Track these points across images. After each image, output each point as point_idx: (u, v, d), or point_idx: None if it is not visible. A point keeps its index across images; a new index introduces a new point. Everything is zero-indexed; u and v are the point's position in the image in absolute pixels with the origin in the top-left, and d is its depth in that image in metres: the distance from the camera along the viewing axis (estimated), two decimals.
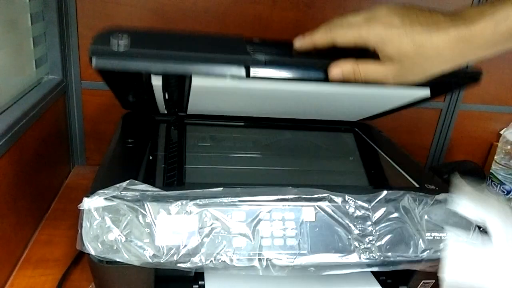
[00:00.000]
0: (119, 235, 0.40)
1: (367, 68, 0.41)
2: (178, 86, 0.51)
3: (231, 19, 0.77)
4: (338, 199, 0.46)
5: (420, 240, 0.46)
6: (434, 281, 0.51)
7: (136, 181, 0.43)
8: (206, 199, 0.43)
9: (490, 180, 0.79)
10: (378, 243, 0.45)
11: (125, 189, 0.42)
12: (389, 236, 0.46)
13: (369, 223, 0.46)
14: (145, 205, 0.41)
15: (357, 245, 0.45)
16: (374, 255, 0.45)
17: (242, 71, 0.41)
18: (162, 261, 0.40)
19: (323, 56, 0.43)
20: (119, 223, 0.41)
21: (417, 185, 0.53)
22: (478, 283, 0.43)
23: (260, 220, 0.44)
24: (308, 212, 0.45)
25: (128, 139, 0.56)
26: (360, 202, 0.46)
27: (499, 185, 0.77)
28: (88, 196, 0.41)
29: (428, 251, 0.46)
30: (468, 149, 0.96)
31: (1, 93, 0.58)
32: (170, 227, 0.41)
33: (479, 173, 0.83)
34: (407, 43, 0.38)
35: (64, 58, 0.75)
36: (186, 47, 0.42)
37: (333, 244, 0.44)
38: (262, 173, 0.59)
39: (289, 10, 0.78)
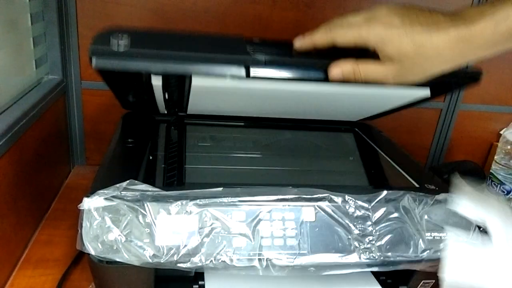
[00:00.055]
0: (119, 235, 0.40)
1: (367, 68, 0.41)
2: (178, 86, 0.51)
3: (231, 19, 0.77)
4: (338, 199, 0.46)
5: (420, 240, 0.46)
6: (434, 281, 0.51)
7: (136, 181, 0.43)
8: (206, 199, 0.43)
9: (490, 180, 0.79)
10: (378, 243, 0.45)
11: (125, 189, 0.42)
12: (389, 236, 0.46)
13: (369, 223, 0.46)
14: (145, 205, 0.41)
15: (357, 245, 0.45)
16: (374, 255, 0.45)
17: (242, 71, 0.41)
18: (162, 261, 0.40)
19: (323, 56, 0.43)
20: (119, 223, 0.40)
21: (417, 185, 0.53)
22: (478, 283, 0.43)
23: (260, 220, 0.44)
24: (308, 212, 0.45)
25: (128, 139, 0.56)
26: (360, 202, 0.46)
27: (499, 185, 0.77)
28: (88, 196, 0.41)
29: (428, 251, 0.46)
30: (468, 149, 0.96)
31: (1, 93, 0.58)
32: (170, 227, 0.41)
33: (479, 173, 0.83)
34: (407, 43, 0.38)
35: (64, 58, 0.75)
36: (186, 47, 0.42)
37: (333, 244, 0.44)
38: (262, 173, 0.59)
39: (289, 10, 0.78)
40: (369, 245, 0.45)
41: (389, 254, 0.45)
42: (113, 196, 0.41)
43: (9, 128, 0.53)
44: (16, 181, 0.56)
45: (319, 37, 0.42)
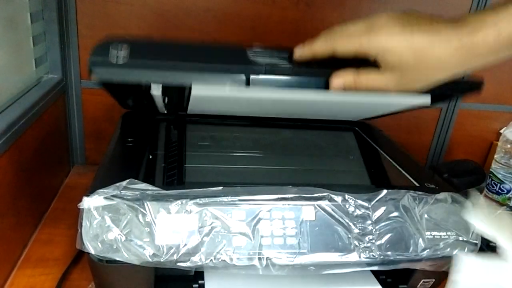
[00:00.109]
0: (119, 234, 0.40)
1: (368, 78, 0.41)
2: (177, 93, 0.51)
3: (230, 18, 0.77)
4: (338, 198, 0.46)
5: (420, 239, 0.46)
6: (433, 280, 0.51)
7: (136, 180, 0.43)
8: (206, 198, 0.43)
9: (490, 179, 0.79)
10: (378, 242, 0.45)
11: (125, 188, 0.42)
12: (389, 235, 0.46)
13: (369, 222, 0.46)
14: (145, 204, 0.41)
15: (357, 244, 0.45)
16: (374, 254, 0.45)
17: (242, 82, 0.42)
18: (162, 260, 0.40)
19: (323, 65, 0.43)
20: (119, 222, 0.40)
21: (417, 184, 0.53)
22: None
23: (260, 219, 0.44)
24: (308, 211, 0.45)
25: (128, 138, 0.56)
26: (360, 201, 0.46)
27: (499, 184, 0.77)
28: (88, 195, 0.41)
29: (428, 250, 0.46)
30: (468, 148, 0.96)
31: (1, 92, 0.58)
32: (170, 226, 0.41)
33: (479, 172, 0.83)
34: (408, 52, 0.37)
35: (64, 57, 0.74)
36: (186, 57, 0.42)
37: (333, 243, 0.44)
38: (262, 172, 0.59)
39: (288, 9, 0.77)
40: (369, 244, 0.45)
41: (389, 253, 0.45)
42: (113, 195, 0.41)
43: (8, 128, 0.53)
44: (15, 181, 0.56)
45: (319, 47, 0.42)
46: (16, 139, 0.55)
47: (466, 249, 0.47)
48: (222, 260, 0.42)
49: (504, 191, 0.77)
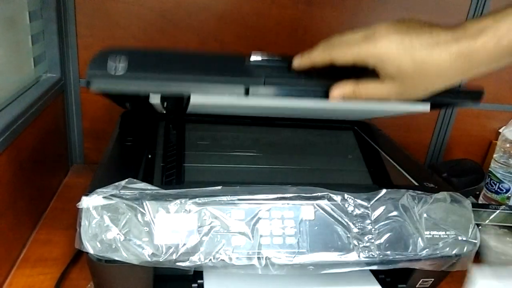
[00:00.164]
0: (118, 233, 0.40)
1: (367, 88, 0.41)
2: (176, 100, 0.51)
3: (230, 17, 0.77)
4: (337, 198, 0.46)
5: (419, 239, 0.46)
6: (433, 279, 0.52)
7: (135, 180, 0.43)
8: (205, 198, 0.43)
9: (489, 178, 0.79)
10: (377, 242, 0.45)
11: (124, 187, 0.42)
12: (388, 234, 0.46)
13: (368, 221, 0.46)
14: (144, 203, 0.41)
15: (356, 243, 0.45)
16: (373, 254, 0.45)
17: (241, 92, 0.42)
18: (161, 260, 0.40)
19: (322, 74, 0.43)
20: (118, 221, 0.40)
21: (416, 183, 0.54)
22: None
23: (259, 218, 0.44)
24: (307, 210, 0.45)
25: (127, 137, 0.56)
26: (359, 201, 0.46)
27: (498, 183, 0.77)
28: (86, 195, 0.41)
29: (427, 249, 0.46)
30: (467, 147, 0.96)
31: None
32: (169, 226, 0.41)
33: (478, 171, 0.83)
34: (407, 61, 0.37)
35: (62, 56, 0.74)
36: (185, 68, 0.42)
37: (332, 243, 0.44)
38: (261, 172, 0.59)
39: (288, 8, 0.77)
40: (368, 244, 0.45)
41: (388, 252, 0.45)
42: (112, 195, 0.41)
43: (7, 127, 0.53)
44: (14, 180, 0.56)
45: (318, 57, 0.42)
46: (14, 138, 0.55)
47: (465, 248, 0.47)
48: (221, 259, 0.42)
49: (503, 190, 0.77)
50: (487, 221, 0.71)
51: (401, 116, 0.88)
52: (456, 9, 0.81)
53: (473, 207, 0.50)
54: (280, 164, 0.60)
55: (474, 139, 0.95)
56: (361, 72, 0.40)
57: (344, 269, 0.45)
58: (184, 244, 0.41)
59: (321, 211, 0.45)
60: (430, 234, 0.47)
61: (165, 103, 0.52)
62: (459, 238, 0.47)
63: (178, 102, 0.51)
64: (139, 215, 0.41)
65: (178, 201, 0.42)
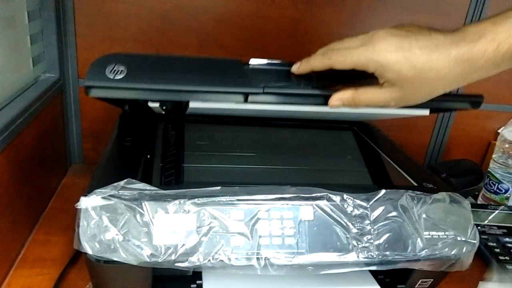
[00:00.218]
0: (116, 234, 0.40)
1: (367, 95, 0.41)
2: (175, 104, 0.52)
3: (229, 18, 0.77)
4: (337, 198, 0.46)
5: (418, 239, 0.46)
6: (432, 280, 0.52)
7: (134, 180, 0.43)
8: (204, 198, 0.43)
9: (488, 179, 0.79)
10: (376, 242, 0.45)
11: (123, 188, 0.42)
12: (387, 235, 0.46)
13: (367, 222, 0.46)
14: (143, 204, 0.41)
15: (355, 244, 0.45)
16: (372, 254, 0.45)
17: (240, 99, 0.42)
18: (159, 261, 0.40)
19: (321, 79, 0.43)
20: (116, 222, 0.40)
21: (415, 184, 0.53)
22: None
23: (258, 219, 0.44)
24: (306, 211, 0.45)
25: (125, 137, 0.55)
26: (358, 201, 0.46)
27: (497, 184, 0.78)
28: (85, 195, 0.41)
29: (426, 250, 0.46)
30: (466, 148, 0.96)
31: None
32: (168, 226, 0.41)
33: (477, 171, 0.83)
34: (406, 67, 0.37)
35: (61, 56, 0.74)
36: (183, 75, 0.42)
37: (331, 243, 0.44)
38: (261, 172, 0.59)
39: (287, 8, 0.77)
40: (367, 244, 0.45)
41: (387, 253, 0.45)
42: (111, 195, 0.41)
43: (5, 127, 0.53)
44: (12, 180, 0.55)
45: (317, 64, 0.42)
46: (13, 138, 0.55)
47: (464, 249, 0.47)
48: (220, 260, 0.42)
49: (502, 190, 0.77)
50: (486, 221, 0.71)
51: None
52: (456, 9, 0.81)
53: (472, 207, 0.50)
54: (279, 165, 0.60)
55: (473, 139, 0.96)
56: (361, 77, 0.40)
57: (343, 269, 0.45)
58: (183, 245, 0.41)
59: (320, 211, 0.45)
60: (429, 234, 0.47)
61: (164, 107, 0.52)
62: (458, 238, 0.47)
63: (177, 105, 0.51)
64: (138, 216, 0.41)
65: (177, 201, 0.42)
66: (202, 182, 0.45)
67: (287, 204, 0.45)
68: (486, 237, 0.67)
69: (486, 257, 0.64)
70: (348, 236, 0.45)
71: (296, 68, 0.44)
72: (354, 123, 0.71)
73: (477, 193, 0.82)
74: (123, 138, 0.56)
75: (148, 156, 0.54)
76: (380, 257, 0.45)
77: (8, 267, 0.55)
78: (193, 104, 0.43)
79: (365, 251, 0.45)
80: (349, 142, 0.67)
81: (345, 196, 0.46)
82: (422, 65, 0.37)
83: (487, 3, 0.81)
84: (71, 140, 0.82)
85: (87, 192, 0.41)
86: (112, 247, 0.40)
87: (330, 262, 0.44)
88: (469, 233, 0.48)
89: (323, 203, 0.45)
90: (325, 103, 0.43)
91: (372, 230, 0.45)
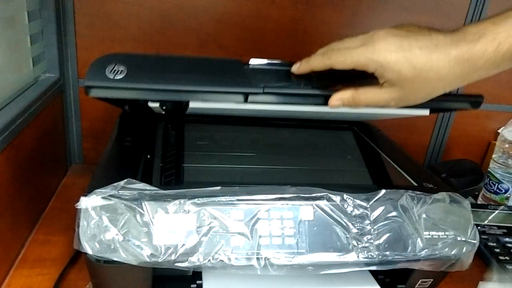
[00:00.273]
0: (116, 234, 0.40)
1: (367, 95, 0.41)
2: (175, 104, 0.52)
3: (229, 18, 0.77)
4: (337, 198, 0.46)
5: (418, 239, 0.46)
6: (432, 280, 0.52)
7: (134, 180, 0.43)
8: (204, 198, 0.43)
9: (488, 179, 0.79)
10: (376, 242, 0.45)
11: (123, 188, 0.42)
12: (387, 235, 0.46)
13: (367, 222, 0.46)
14: (143, 204, 0.41)
15: (355, 244, 0.45)
16: (372, 254, 0.45)
17: (240, 101, 0.42)
18: (160, 261, 0.40)
19: (321, 79, 0.43)
20: (116, 222, 0.40)
21: (415, 184, 0.53)
22: None
23: (258, 219, 0.44)
24: (306, 211, 0.45)
25: (125, 137, 0.55)
26: (358, 201, 0.46)
27: (497, 184, 0.78)
28: (85, 195, 0.41)
29: (426, 250, 0.46)
30: (466, 148, 0.96)
31: None
32: (168, 226, 0.41)
33: (477, 171, 0.83)
34: (406, 67, 0.37)
35: (61, 56, 0.74)
36: (183, 75, 0.42)
37: (331, 243, 0.44)
38: (261, 172, 0.59)
39: (287, 8, 0.77)
40: (367, 244, 0.45)
41: (387, 253, 0.45)
42: (111, 195, 0.41)
43: (5, 127, 0.53)
44: (12, 180, 0.55)
45: (317, 64, 0.42)
46: (13, 138, 0.55)
47: (464, 249, 0.47)
48: (220, 260, 0.42)
49: (502, 190, 0.77)
50: (486, 221, 0.71)
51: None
52: (456, 9, 0.81)
53: (472, 207, 0.50)
54: (279, 165, 0.60)
55: (473, 139, 0.96)
56: (361, 77, 0.40)
57: (343, 269, 0.45)
58: (183, 245, 0.41)
59: (320, 211, 0.45)
60: (429, 234, 0.47)
61: (164, 106, 0.52)
62: (458, 238, 0.47)
63: (177, 105, 0.51)
64: (138, 216, 0.41)
65: (177, 201, 0.42)
66: (202, 182, 0.45)
67: (287, 204, 0.45)
68: (486, 237, 0.67)
69: (486, 257, 0.64)
70: (348, 236, 0.45)
71: (296, 68, 0.44)
72: (354, 123, 0.71)
73: (477, 193, 0.83)
74: (123, 138, 0.56)
75: (148, 156, 0.54)
76: (380, 257, 0.45)
77: (8, 267, 0.55)
78: (193, 104, 0.43)
79: (365, 251, 0.45)
80: (349, 142, 0.67)
81: (345, 196, 0.46)
82: (422, 65, 0.37)
83: (487, 3, 0.81)
84: (71, 140, 0.82)
85: (87, 192, 0.41)
86: (112, 247, 0.40)
87: (330, 262, 0.44)
88: (469, 233, 0.48)
89: (323, 203, 0.45)
90: (325, 103, 0.43)
91: (372, 230, 0.45)
